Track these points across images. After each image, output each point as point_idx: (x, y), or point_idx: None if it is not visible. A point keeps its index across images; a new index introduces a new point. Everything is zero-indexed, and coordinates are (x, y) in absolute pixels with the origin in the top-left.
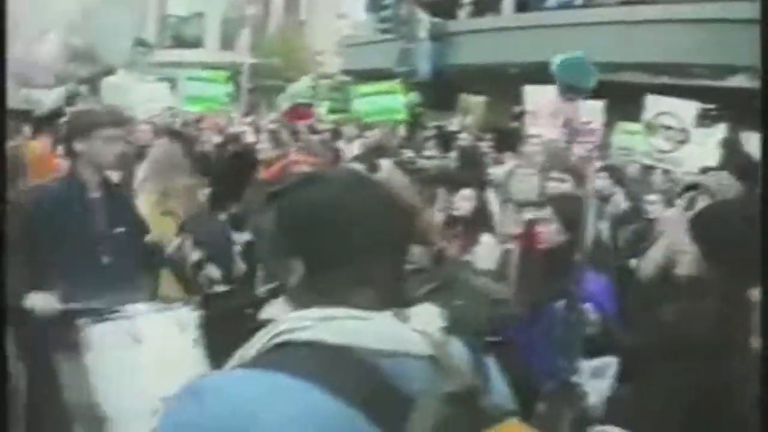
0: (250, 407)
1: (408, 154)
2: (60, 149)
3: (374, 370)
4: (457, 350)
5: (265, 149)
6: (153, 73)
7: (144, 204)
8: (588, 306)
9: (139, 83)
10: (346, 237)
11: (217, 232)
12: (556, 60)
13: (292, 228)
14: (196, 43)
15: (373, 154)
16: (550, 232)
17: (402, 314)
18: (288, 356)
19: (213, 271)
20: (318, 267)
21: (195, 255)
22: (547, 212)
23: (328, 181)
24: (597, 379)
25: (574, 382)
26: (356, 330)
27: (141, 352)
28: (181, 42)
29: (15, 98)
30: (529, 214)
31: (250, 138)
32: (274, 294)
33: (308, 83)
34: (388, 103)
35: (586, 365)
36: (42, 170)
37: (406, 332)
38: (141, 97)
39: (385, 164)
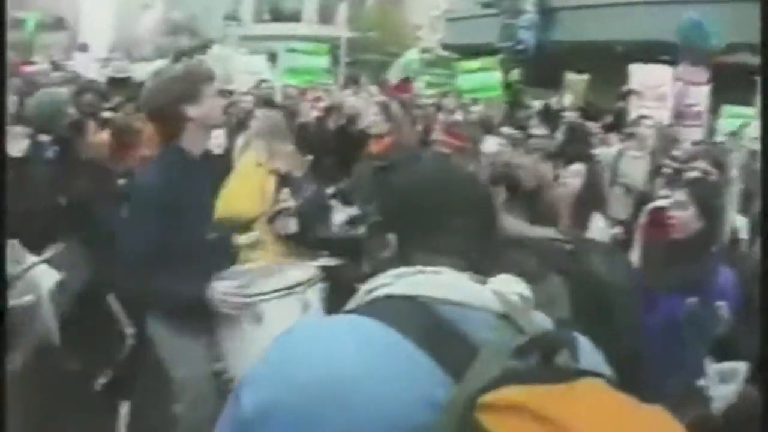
0: (330, 342)
1: (509, 131)
2: (154, 123)
3: (440, 317)
4: (539, 318)
5: (375, 122)
6: (248, 46)
7: (251, 160)
8: (722, 304)
9: (238, 56)
10: (434, 214)
11: (310, 190)
12: (678, 23)
13: (391, 206)
14: (293, 17)
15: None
16: (686, 218)
17: (480, 279)
18: (371, 309)
19: (291, 223)
20: (407, 242)
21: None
22: (682, 195)
23: (423, 163)
24: (725, 384)
25: (699, 386)
26: (424, 282)
27: (265, 333)
28: (278, 15)
29: (116, 68)
30: (659, 201)
31: (354, 111)
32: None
33: (415, 56)
34: (485, 79)
35: (715, 368)
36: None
37: (477, 287)
38: (240, 69)
39: (492, 140)
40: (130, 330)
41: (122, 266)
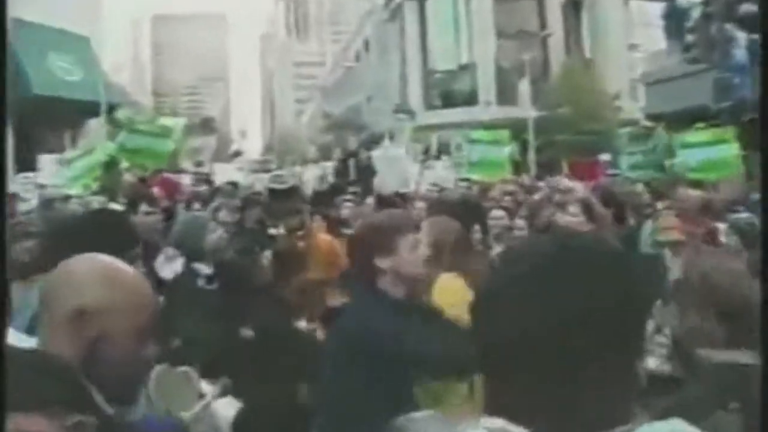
0: None
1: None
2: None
3: None
4: None
5: (575, 223)
6: (421, 139)
7: (453, 284)
8: None
9: (410, 154)
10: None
11: None
12: None
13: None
14: (469, 100)
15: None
16: None
17: None
18: None
19: None
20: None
21: None
22: None
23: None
24: None
25: None
26: None
27: None
28: (451, 100)
29: (277, 179)
30: None
31: (551, 208)
32: None
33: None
34: (721, 155)
35: None
36: (329, 264)
37: None
38: (414, 170)
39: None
40: None
41: (324, 411)
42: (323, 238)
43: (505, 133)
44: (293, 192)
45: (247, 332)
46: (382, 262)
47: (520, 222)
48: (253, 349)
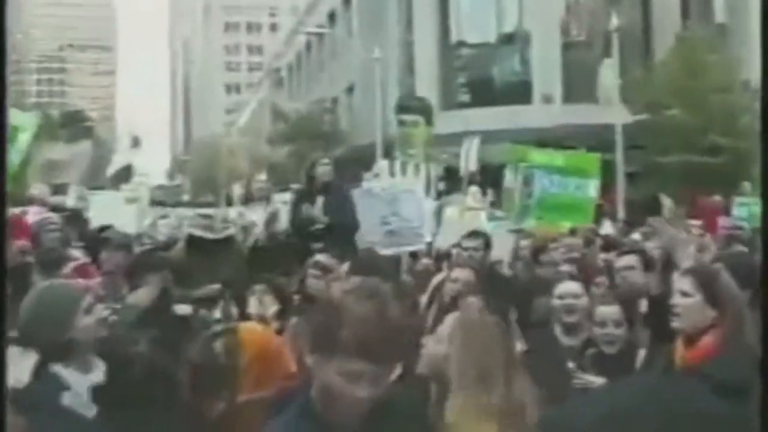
0: None
1: None
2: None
3: None
4: None
5: (689, 308)
6: (438, 157)
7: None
8: None
9: (424, 185)
10: None
11: None
12: None
13: None
14: (516, 94)
15: None
16: None
17: None
18: None
19: None
20: None
21: None
22: None
23: None
24: None
25: None
26: None
27: None
28: (486, 93)
29: (205, 225)
30: None
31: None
32: None
33: None
34: None
35: None
36: (265, 373)
37: None
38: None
39: None
40: None
41: None
42: (254, 330)
43: (593, 159)
44: (229, 246)
45: None
46: (309, 360)
47: (608, 311)
48: None
